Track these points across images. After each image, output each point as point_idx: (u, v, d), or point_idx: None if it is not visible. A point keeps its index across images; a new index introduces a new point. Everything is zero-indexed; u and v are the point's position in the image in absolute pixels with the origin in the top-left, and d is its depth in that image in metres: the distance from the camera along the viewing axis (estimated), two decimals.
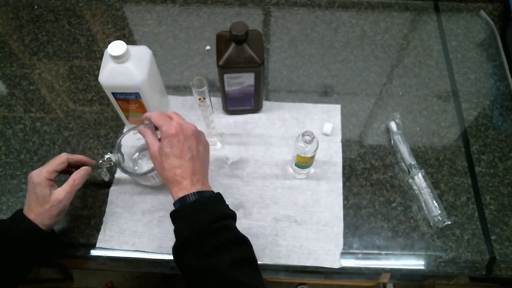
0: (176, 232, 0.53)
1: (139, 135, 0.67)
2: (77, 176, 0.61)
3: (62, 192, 0.59)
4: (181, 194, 0.53)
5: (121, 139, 0.67)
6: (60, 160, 0.61)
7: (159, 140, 0.57)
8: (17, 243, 0.56)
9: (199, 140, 0.57)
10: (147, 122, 0.59)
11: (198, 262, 0.49)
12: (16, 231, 0.56)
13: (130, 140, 0.69)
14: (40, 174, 0.59)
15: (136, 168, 0.72)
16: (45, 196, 0.58)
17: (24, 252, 0.57)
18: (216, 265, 0.48)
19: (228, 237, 0.51)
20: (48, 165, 0.60)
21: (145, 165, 0.72)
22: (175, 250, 0.52)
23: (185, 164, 0.54)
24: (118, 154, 0.66)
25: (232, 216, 0.55)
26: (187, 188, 0.53)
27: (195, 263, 0.49)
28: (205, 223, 0.50)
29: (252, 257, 0.52)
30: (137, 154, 0.73)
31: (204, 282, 0.48)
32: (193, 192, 0.53)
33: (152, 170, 0.63)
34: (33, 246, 0.57)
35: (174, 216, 0.53)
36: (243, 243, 0.53)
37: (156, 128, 0.58)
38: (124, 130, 0.78)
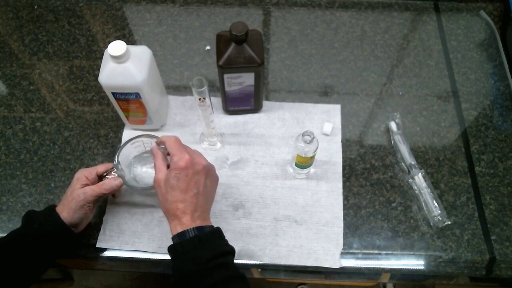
0: (173, 267, 0.52)
1: (137, 144, 0.68)
2: (108, 182, 0.62)
3: (87, 190, 0.60)
4: (180, 229, 0.53)
5: (120, 152, 0.65)
6: (106, 167, 0.64)
7: (168, 166, 0.57)
8: (41, 236, 0.57)
9: (207, 175, 0.57)
10: (162, 146, 0.59)
11: None
12: (43, 223, 0.57)
13: (126, 149, 0.68)
14: (81, 171, 0.62)
15: (131, 175, 0.70)
16: (73, 190, 0.60)
17: (47, 245, 0.57)
18: None
19: (227, 275, 0.51)
20: (93, 167, 0.63)
21: (142, 173, 0.71)
22: (173, 285, 0.52)
23: (188, 200, 0.54)
24: (119, 166, 0.65)
25: (231, 252, 0.54)
26: (186, 224, 0.53)
27: None
28: (204, 260, 0.50)
29: None
30: (133, 160, 0.72)
31: None
32: (193, 228, 0.53)
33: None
34: (54, 239, 0.58)
35: (172, 251, 0.53)
36: (241, 280, 0.52)
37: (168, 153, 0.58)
38: (123, 132, 0.77)
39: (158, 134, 0.67)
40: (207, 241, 0.52)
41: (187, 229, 0.52)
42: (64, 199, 0.60)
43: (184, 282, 0.50)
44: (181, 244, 0.52)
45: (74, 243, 0.62)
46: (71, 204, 0.59)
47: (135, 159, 0.71)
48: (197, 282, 0.49)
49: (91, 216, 0.65)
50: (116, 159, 0.65)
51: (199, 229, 0.53)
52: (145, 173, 0.71)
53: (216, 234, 0.54)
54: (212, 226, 0.55)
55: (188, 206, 0.54)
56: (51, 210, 0.59)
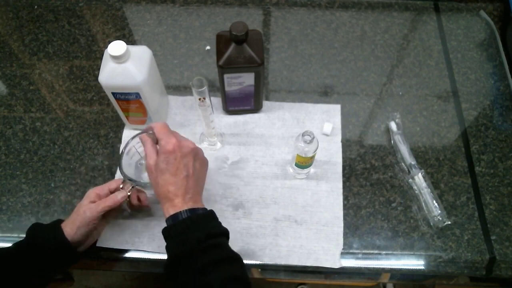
0: (167, 249, 0.53)
1: (137, 140, 0.67)
2: (112, 196, 0.61)
3: (92, 206, 0.59)
4: (172, 211, 0.53)
5: (122, 159, 0.65)
6: (117, 183, 0.63)
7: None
8: (43, 250, 0.56)
9: (196, 158, 0.58)
10: (151, 132, 0.59)
11: (190, 280, 0.49)
12: (46, 237, 0.57)
13: (129, 151, 0.68)
14: (93, 189, 0.62)
15: (140, 174, 0.70)
16: (80, 206, 0.60)
17: (48, 260, 0.57)
18: (208, 283, 0.48)
19: (220, 255, 0.51)
20: (105, 184, 0.63)
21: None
22: (167, 266, 0.52)
23: (179, 182, 0.54)
24: (124, 172, 0.64)
25: (225, 233, 0.55)
26: (178, 205, 0.53)
27: (186, 280, 0.49)
28: (197, 240, 0.50)
29: (244, 275, 0.52)
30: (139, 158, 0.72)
31: None
32: (185, 210, 0.53)
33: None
34: (57, 257, 0.58)
35: (165, 233, 0.53)
36: (235, 260, 0.52)
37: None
38: (123, 132, 0.77)
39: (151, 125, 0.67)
40: (199, 222, 0.52)
41: (180, 211, 0.53)
42: (71, 215, 0.60)
43: (177, 263, 0.50)
44: (174, 226, 0.52)
45: (75, 260, 0.61)
46: (76, 220, 0.58)
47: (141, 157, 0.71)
48: (190, 263, 0.50)
49: (97, 236, 0.65)
50: (120, 164, 0.64)
51: (191, 211, 0.53)
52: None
53: (209, 216, 0.55)
54: (205, 209, 0.56)
55: (179, 188, 0.54)
56: (56, 225, 0.59)
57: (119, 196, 0.61)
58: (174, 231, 0.52)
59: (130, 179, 0.63)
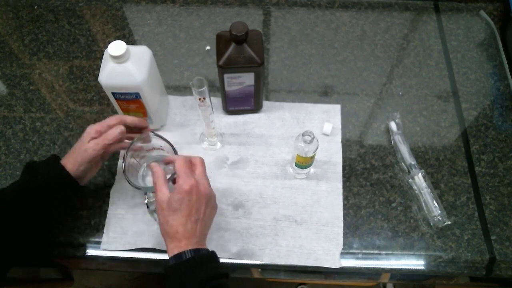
0: (169, 287, 0.53)
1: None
2: (111, 131, 0.61)
3: (91, 143, 0.59)
4: (176, 251, 0.53)
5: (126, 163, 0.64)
6: (117, 119, 0.62)
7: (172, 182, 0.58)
8: (44, 187, 0.57)
9: (208, 204, 0.58)
10: (171, 167, 0.60)
11: None
12: (47, 174, 0.57)
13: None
14: (92, 126, 0.61)
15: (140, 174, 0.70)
16: (81, 144, 0.60)
17: (51, 195, 0.57)
18: None
19: None
20: (104, 121, 0.62)
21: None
22: None
23: (188, 225, 0.55)
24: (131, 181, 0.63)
25: (226, 275, 0.55)
26: (183, 247, 0.54)
27: None
28: (199, 281, 0.50)
29: None
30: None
31: None
32: (189, 250, 0.53)
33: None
34: (60, 192, 0.58)
35: (168, 272, 0.53)
36: None
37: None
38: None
39: (158, 134, 0.67)
40: (203, 263, 0.53)
41: (184, 251, 0.53)
42: (71, 153, 0.60)
43: None
44: (177, 266, 0.53)
45: (77, 194, 0.62)
46: (77, 157, 0.59)
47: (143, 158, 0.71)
48: None
49: (96, 171, 0.64)
50: (124, 172, 0.63)
51: (195, 251, 0.53)
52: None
53: (212, 257, 0.55)
54: (207, 249, 0.56)
55: (188, 232, 0.54)
56: (55, 161, 0.59)
57: (116, 131, 0.60)
58: (177, 270, 0.52)
59: (138, 187, 0.63)
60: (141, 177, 0.70)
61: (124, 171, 0.62)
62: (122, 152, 0.74)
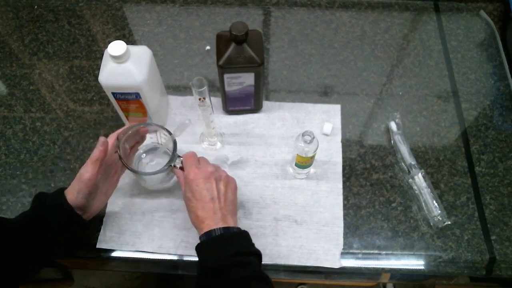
0: (199, 263, 0.54)
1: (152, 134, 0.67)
2: (95, 150, 0.58)
3: (87, 169, 0.57)
4: (206, 229, 0.55)
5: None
6: (100, 145, 0.58)
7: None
8: (48, 219, 0.56)
9: (219, 180, 0.59)
10: (182, 159, 0.62)
11: None
12: (52, 207, 0.56)
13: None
14: (93, 155, 0.58)
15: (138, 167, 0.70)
16: (80, 174, 0.57)
17: (53, 228, 0.56)
18: None
19: (248, 274, 0.51)
20: (89, 164, 0.58)
21: (150, 165, 0.71)
22: (198, 280, 0.53)
23: (206, 206, 0.56)
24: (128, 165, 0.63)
25: (256, 253, 0.55)
26: (209, 225, 0.55)
27: None
28: (225, 257, 0.51)
29: None
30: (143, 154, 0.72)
31: None
32: (219, 228, 0.54)
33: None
34: (64, 225, 0.57)
35: (198, 248, 0.55)
36: (263, 281, 0.52)
37: None
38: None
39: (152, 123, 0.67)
40: (231, 239, 0.54)
41: (214, 229, 0.54)
42: (73, 183, 0.58)
43: (206, 279, 0.52)
44: (206, 242, 0.54)
45: (83, 228, 0.60)
46: (75, 184, 0.57)
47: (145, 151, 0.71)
48: (218, 279, 0.50)
49: (104, 199, 0.63)
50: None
51: (225, 229, 0.55)
52: (154, 165, 0.69)
53: (242, 235, 0.56)
54: (239, 228, 0.57)
55: (207, 211, 0.56)
56: (60, 192, 0.58)
57: (98, 145, 0.58)
58: (205, 246, 0.54)
59: (135, 171, 0.64)
60: (137, 159, 0.70)
61: (120, 156, 0.61)
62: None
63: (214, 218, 0.55)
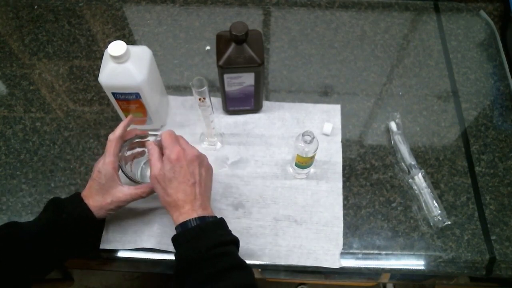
0: (176, 256, 0.53)
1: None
2: (146, 191, 0.60)
3: (126, 192, 0.59)
4: (181, 219, 0.53)
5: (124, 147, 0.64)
6: (112, 144, 0.59)
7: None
8: (69, 226, 0.56)
9: (201, 165, 0.58)
10: (159, 138, 0.59)
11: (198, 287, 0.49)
12: (72, 213, 0.57)
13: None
14: (105, 165, 0.58)
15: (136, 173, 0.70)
16: (110, 188, 0.58)
17: (73, 236, 0.57)
18: None
19: (229, 263, 0.51)
20: (107, 154, 0.59)
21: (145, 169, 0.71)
22: (176, 272, 0.52)
23: (187, 189, 0.55)
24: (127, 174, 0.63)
25: (234, 242, 0.55)
26: (188, 213, 0.54)
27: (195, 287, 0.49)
28: (206, 248, 0.51)
29: (253, 284, 0.51)
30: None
31: None
32: (195, 218, 0.53)
33: None
34: (83, 232, 0.58)
35: (175, 241, 0.54)
36: (244, 269, 0.52)
37: None
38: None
39: (159, 134, 0.66)
40: (208, 230, 0.53)
41: (189, 219, 0.53)
42: (99, 196, 0.58)
43: (185, 271, 0.51)
44: (183, 234, 0.53)
45: (97, 231, 0.63)
46: (110, 205, 0.58)
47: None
48: (198, 270, 0.50)
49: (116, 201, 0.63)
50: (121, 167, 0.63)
51: (201, 219, 0.53)
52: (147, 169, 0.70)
53: (218, 224, 0.55)
54: (215, 217, 0.56)
55: (188, 195, 0.55)
56: (78, 198, 0.58)
57: (111, 142, 0.59)
58: (183, 238, 0.53)
59: (135, 180, 0.63)
60: (139, 170, 0.70)
61: (120, 165, 0.61)
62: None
63: (194, 204, 0.54)
